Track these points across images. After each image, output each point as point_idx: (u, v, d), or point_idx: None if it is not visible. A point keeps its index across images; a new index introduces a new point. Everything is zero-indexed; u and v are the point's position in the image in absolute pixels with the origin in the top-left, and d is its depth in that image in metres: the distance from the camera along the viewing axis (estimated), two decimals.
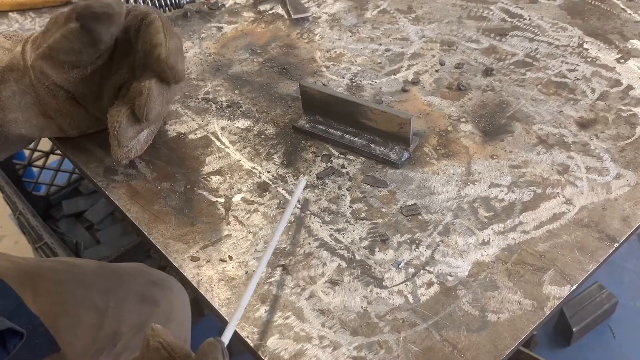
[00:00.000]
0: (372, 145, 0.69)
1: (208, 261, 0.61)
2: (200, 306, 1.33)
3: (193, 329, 0.99)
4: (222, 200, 0.66)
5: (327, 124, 0.71)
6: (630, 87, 0.75)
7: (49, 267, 0.85)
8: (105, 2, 0.62)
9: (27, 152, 1.50)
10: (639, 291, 1.50)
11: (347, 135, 0.70)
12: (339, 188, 0.66)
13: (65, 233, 1.53)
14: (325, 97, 0.70)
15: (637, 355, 1.43)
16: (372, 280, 0.58)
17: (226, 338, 0.51)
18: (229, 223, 0.64)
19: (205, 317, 1.39)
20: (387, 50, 0.83)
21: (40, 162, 1.52)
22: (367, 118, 0.68)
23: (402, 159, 0.68)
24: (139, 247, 1.35)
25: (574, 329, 1.39)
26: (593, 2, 0.88)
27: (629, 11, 0.86)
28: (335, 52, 0.84)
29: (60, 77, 0.65)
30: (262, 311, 0.57)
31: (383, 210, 0.64)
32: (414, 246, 0.61)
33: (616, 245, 0.60)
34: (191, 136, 0.74)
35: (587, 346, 1.43)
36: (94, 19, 0.62)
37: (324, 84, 0.79)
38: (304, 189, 0.66)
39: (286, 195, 0.66)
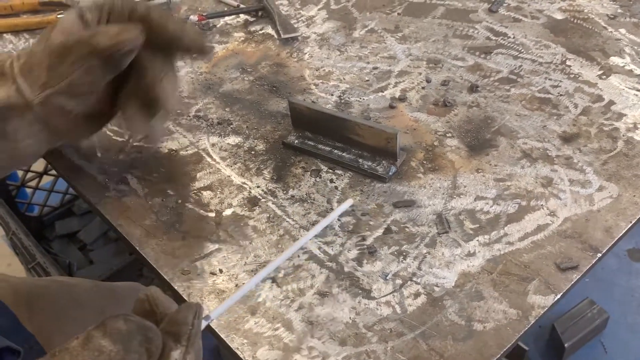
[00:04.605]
0: (360, 160, 0.70)
1: (198, 274, 0.62)
2: None
3: None
4: (212, 214, 0.67)
5: (316, 140, 0.73)
6: (611, 102, 0.77)
7: (44, 286, 0.86)
8: (133, 36, 0.59)
9: (20, 173, 1.51)
10: (630, 306, 1.51)
11: (336, 151, 0.71)
12: (328, 202, 0.68)
13: (58, 253, 1.54)
14: (314, 113, 0.71)
15: None
16: (360, 291, 0.59)
17: (215, 312, 0.53)
18: (219, 237, 0.65)
19: None
20: (375, 68, 0.85)
21: (33, 183, 1.53)
22: (355, 133, 0.69)
23: (390, 173, 0.69)
24: (131, 266, 1.36)
25: (566, 345, 1.39)
26: (575, 21, 0.90)
27: (610, 29, 0.88)
28: (324, 70, 0.85)
29: (79, 106, 0.63)
30: (252, 323, 0.57)
31: (371, 222, 0.65)
32: (401, 258, 0.62)
33: (599, 255, 0.61)
34: (182, 153, 0.75)
35: None
36: (124, 55, 0.60)
37: (313, 101, 0.80)
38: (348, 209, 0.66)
39: (276, 209, 0.67)
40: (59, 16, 0.93)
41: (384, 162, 0.69)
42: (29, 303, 0.83)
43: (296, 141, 0.73)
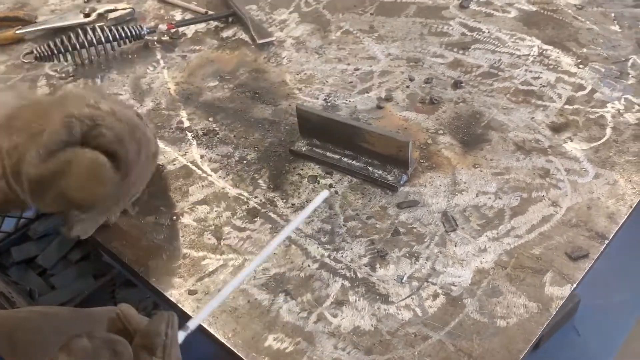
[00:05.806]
0: (370, 169, 0.68)
1: (206, 293, 0.59)
2: None
3: None
4: (212, 229, 0.65)
5: (324, 147, 0.71)
6: (593, 90, 0.78)
7: (24, 318, 0.80)
8: None
9: None
10: (598, 288, 1.55)
11: (345, 159, 0.70)
12: (330, 207, 0.66)
13: (17, 281, 1.45)
14: (323, 120, 0.69)
15: (601, 350, 1.47)
16: (378, 297, 0.58)
17: (193, 322, 0.49)
18: (222, 252, 0.62)
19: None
20: (357, 69, 0.84)
21: None
22: (366, 141, 0.67)
23: (401, 182, 0.67)
24: (102, 290, 1.30)
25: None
26: (546, 13, 0.92)
27: (580, 19, 0.90)
28: (305, 74, 0.84)
29: None
30: (270, 340, 0.55)
31: (377, 226, 0.64)
32: (413, 259, 0.61)
33: (606, 242, 0.61)
34: (170, 167, 0.72)
35: (555, 347, 1.46)
36: None
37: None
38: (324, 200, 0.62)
39: (277, 218, 0.65)
40: (17, 32, 0.88)
41: (394, 170, 0.68)
42: (10, 337, 0.78)
43: (304, 148, 0.71)
